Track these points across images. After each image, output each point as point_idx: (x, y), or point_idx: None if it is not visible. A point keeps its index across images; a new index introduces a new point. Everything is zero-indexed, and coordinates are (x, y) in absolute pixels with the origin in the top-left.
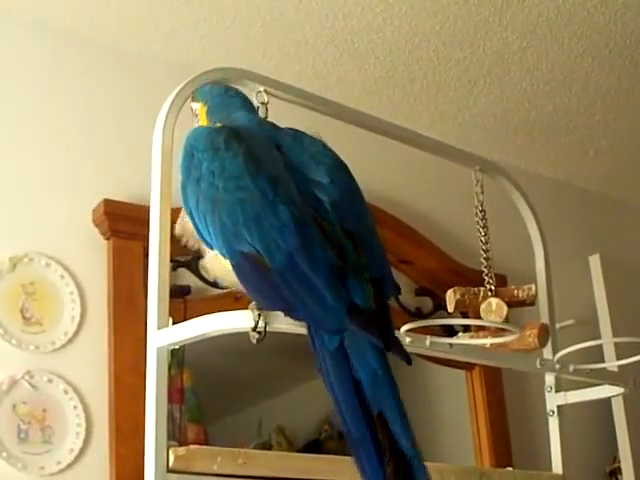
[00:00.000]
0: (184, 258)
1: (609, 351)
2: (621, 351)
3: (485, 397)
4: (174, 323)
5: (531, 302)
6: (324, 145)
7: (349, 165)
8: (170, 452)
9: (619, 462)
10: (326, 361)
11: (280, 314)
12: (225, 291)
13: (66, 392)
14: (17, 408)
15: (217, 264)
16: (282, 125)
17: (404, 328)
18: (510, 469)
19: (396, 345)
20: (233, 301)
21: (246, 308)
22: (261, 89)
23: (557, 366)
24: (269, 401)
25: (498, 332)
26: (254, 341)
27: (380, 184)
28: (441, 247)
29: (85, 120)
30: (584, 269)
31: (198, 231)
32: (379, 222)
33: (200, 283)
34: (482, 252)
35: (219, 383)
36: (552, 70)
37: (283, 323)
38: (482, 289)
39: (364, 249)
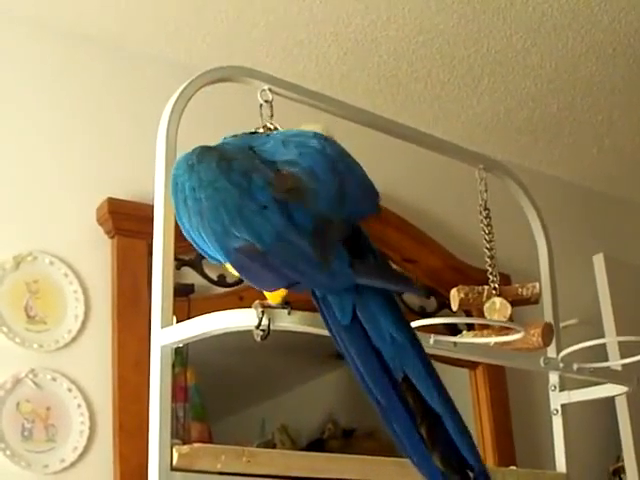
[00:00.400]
0: (188, 257)
1: (613, 350)
2: (625, 350)
3: (489, 396)
4: (178, 321)
5: (535, 300)
6: (314, 135)
7: None
8: (174, 450)
9: (623, 461)
10: (343, 338)
11: (284, 312)
12: (229, 290)
13: (70, 390)
14: (21, 406)
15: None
16: (285, 123)
17: None
18: (514, 468)
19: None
20: (237, 299)
21: (250, 306)
22: (265, 87)
23: (561, 365)
24: (272, 400)
25: (502, 331)
26: (258, 339)
27: (383, 182)
28: (445, 246)
29: (89, 119)
30: (588, 268)
31: (201, 249)
32: (382, 221)
33: (204, 282)
34: (486, 251)
35: (223, 382)
36: (556, 69)
37: (287, 321)
38: (486, 288)
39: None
